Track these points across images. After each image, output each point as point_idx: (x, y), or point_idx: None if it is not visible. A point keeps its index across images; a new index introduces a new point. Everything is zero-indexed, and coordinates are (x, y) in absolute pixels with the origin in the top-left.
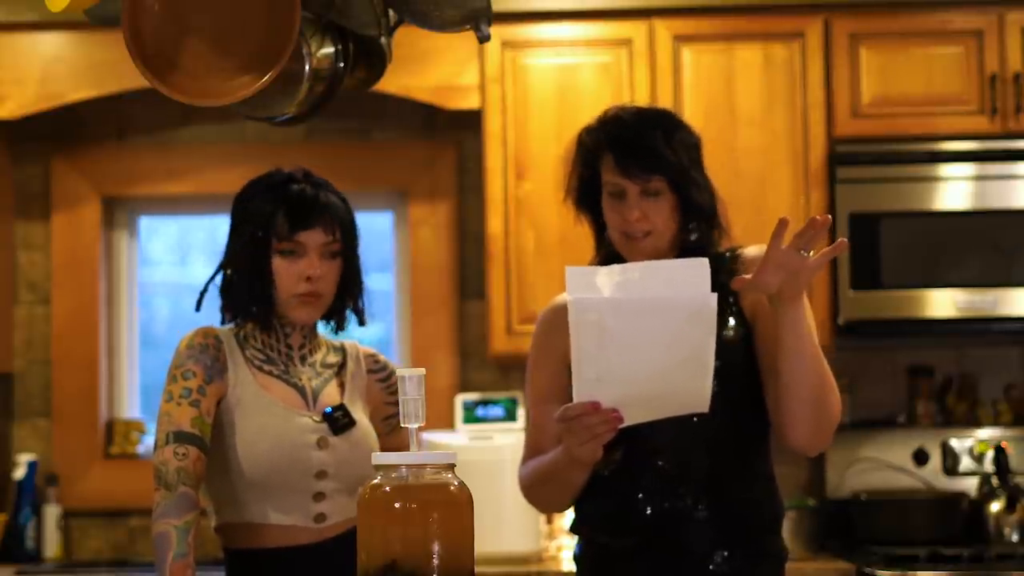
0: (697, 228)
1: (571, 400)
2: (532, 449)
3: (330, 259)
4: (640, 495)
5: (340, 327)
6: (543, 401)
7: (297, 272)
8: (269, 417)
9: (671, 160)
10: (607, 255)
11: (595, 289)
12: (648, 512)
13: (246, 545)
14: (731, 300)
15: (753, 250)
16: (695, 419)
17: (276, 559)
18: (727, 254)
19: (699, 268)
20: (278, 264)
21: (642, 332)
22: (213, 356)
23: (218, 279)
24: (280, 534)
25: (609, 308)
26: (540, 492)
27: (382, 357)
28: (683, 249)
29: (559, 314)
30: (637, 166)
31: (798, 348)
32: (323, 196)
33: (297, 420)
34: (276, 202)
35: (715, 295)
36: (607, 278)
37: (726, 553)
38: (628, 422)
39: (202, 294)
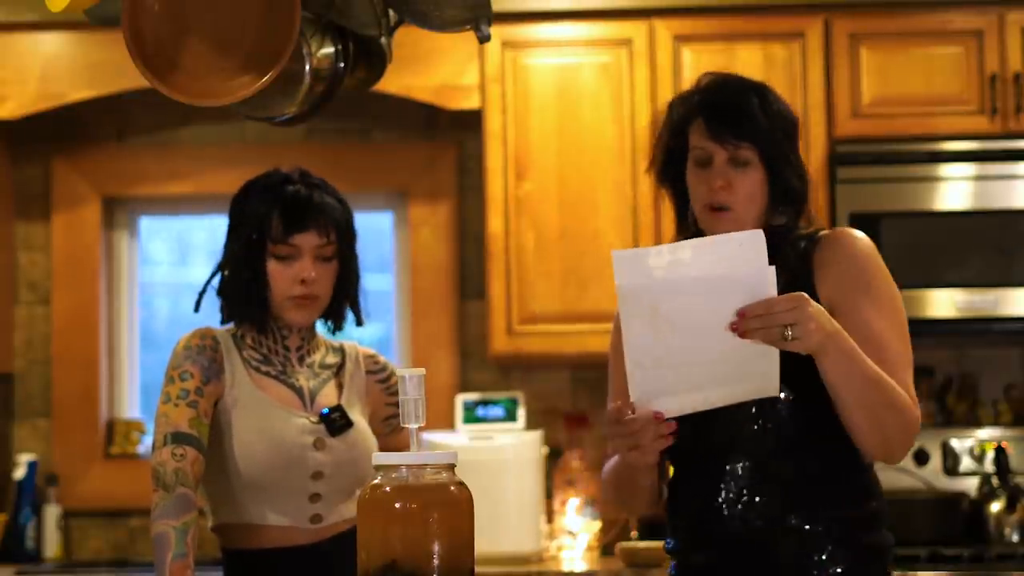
0: (785, 212)
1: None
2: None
3: (325, 261)
4: (720, 502)
5: (337, 327)
6: (619, 398)
7: (292, 275)
8: (266, 418)
9: (765, 128)
10: (691, 237)
11: (645, 272)
12: (732, 520)
13: (243, 545)
14: (806, 288)
15: (828, 232)
16: (777, 406)
17: (273, 559)
18: (807, 238)
19: (754, 241)
20: (273, 266)
21: (698, 313)
22: (210, 357)
23: (216, 280)
24: (277, 535)
25: (661, 291)
26: (612, 494)
27: (381, 358)
28: (766, 232)
29: None
30: (728, 131)
31: (841, 384)
32: (318, 197)
33: (294, 421)
34: (271, 204)
35: (772, 268)
36: (657, 259)
37: (822, 558)
38: (698, 408)
39: (200, 295)
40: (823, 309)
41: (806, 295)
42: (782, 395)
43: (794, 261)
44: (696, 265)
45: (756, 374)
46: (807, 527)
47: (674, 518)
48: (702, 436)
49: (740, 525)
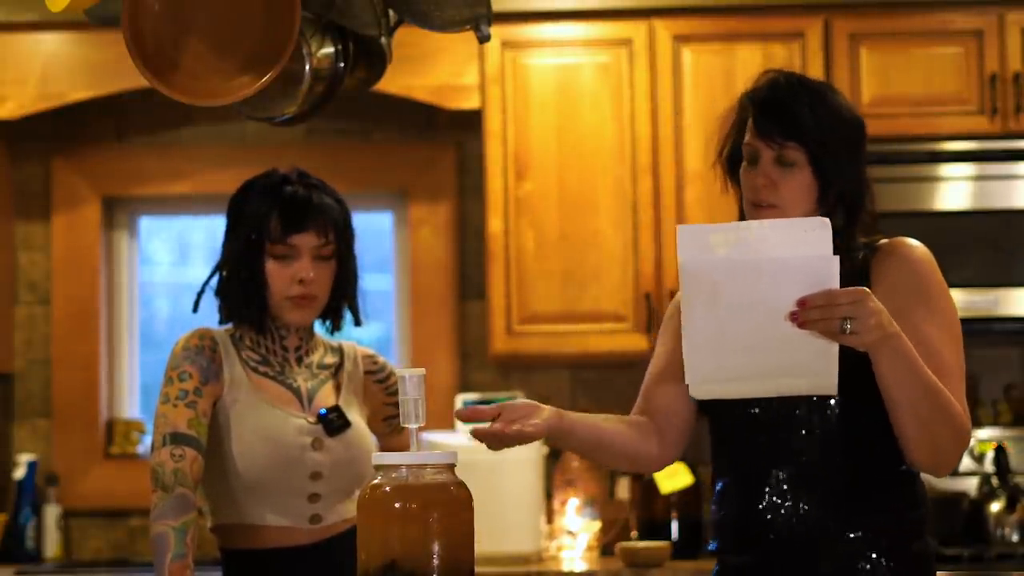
0: (838, 217)
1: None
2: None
3: (323, 261)
4: (765, 506)
5: (336, 327)
6: (657, 375)
7: (290, 275)
8: (264, 418)
9: (811, 128)
10: None
11: (708, 249)
12: (777, 526)
13: (243, 546)
14: None
15: (886, 242)
16: (827, 412)
17: (273, 560)
18: (865, 248)
19: (820, 228)
20: (271, 267)
21: (759, 297)
22: (209, 358)
23: (214, 280)
24: (276, 535)
25: (723, 268)
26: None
27: (380, 358)
28: None
29: None
30: (774, 129)
31: (896, 388)
32: (316, 198)
33: (292, 422)
34: (270, 204)
35: (836, 258)
36: (722, 236)
37: (868, 566)
38: (751, 395)
39: (199, 295)
40: (884, 308)
41: (869, 291)
42: (833, 400)
43: (851, 271)
44: (760, 246)
45: (814, 371)
46: (853, 535)
47: (717, 520)
48: (749, 439)
49: (785, 531)
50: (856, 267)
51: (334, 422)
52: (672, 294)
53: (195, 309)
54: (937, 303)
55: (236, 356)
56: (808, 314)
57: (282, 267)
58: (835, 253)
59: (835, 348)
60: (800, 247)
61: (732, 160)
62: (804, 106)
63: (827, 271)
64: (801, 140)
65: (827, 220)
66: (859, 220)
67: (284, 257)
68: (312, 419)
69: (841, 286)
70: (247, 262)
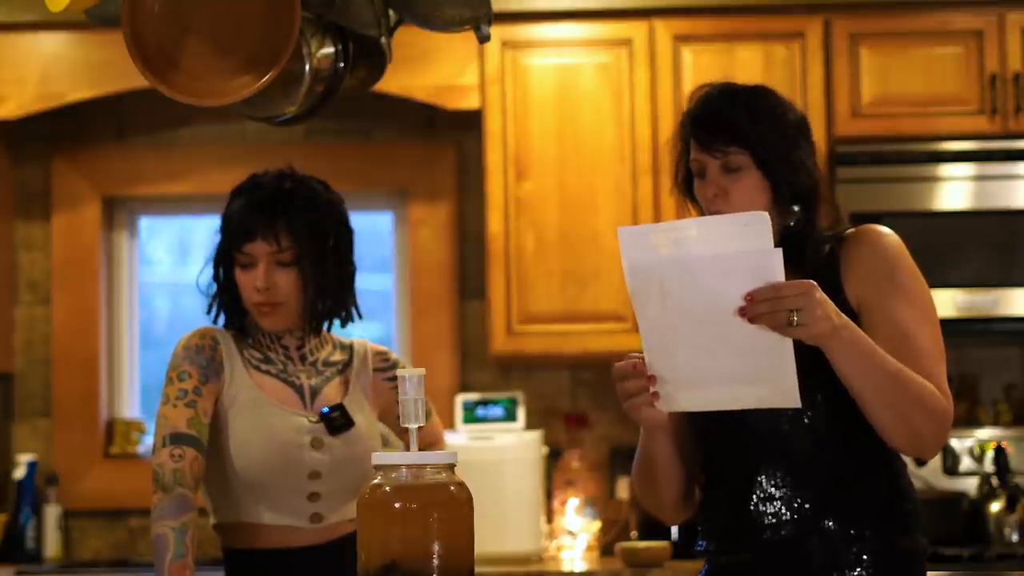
0: (796, 212)
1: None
2: None
3: (283, 267)
4: (754, 504)
5: (342, 324)
6: None
7: (251, 283)
8: (262, 417)
9: (751, 132)
10: None
11: (650, 249)
12: (765, 523)
13: (244, 545)
14: (833, 288)
15: (854, 230)
16: (805, 418)
17: (274, 559)
18: (832, 238)
19: (759, 222)
20: (238, 274)
21: (705, 294)
22: (209, 356)
23: (206, 285)
24: (277, 534)
25: (666, 268)
26: (639, 489)
27: (392, 355)
28: (781, 235)
29: None
30: (713, 139)
31: (855, 379)
32: (274, 206)
33: (292, 420)
34: (238, 211)
35: (779, 251)
36: (662, 236)
37: (856, 561)
38: (716, 407)
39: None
40: (829, 300)
41: (815, 283)
42: (808, 414)
43: (820, 262)
44: (701, 243)
45: (772, 375)
46: (841, 530)
47: (706, 519)
48: (735, 437)
49: (773, 528)
50: (823, 258)
51: (336, 421)
52: None
53: (208, 311)
54: (909, 287)
55: (238, 354)
56: (756, 308)
57: (245, 275)
58: (800, 245)
59: (789, 347)
60: (740, 241)
61: (688, 181)
62: (739, 110)
63: (770, 264)
64: (741, 143)
65: (765, 213)
66: (818, 212)
67: (246, 265)
68: (314, 418)
69: (810, 278)
70: (222, 269)
